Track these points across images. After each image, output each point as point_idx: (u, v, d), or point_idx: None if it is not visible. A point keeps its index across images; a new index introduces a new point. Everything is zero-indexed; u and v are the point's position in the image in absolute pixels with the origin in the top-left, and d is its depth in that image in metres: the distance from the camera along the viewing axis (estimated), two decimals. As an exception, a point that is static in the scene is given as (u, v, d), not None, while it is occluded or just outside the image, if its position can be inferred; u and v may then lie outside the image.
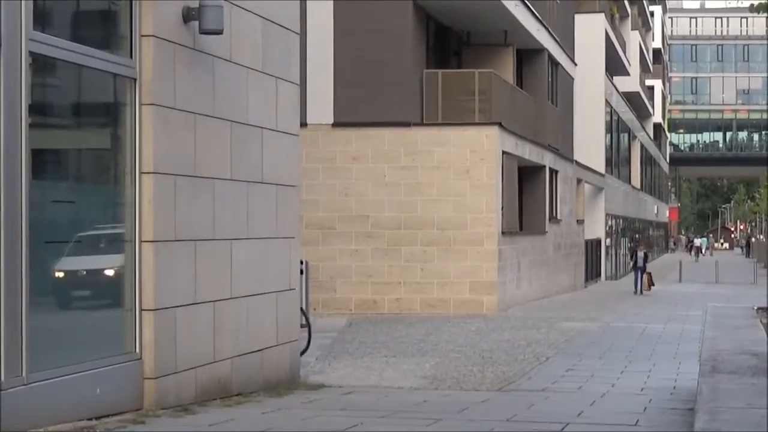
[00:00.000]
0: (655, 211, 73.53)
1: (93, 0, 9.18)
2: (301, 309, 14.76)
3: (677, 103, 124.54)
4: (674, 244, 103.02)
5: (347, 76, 24.03)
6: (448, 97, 24.83)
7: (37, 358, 7.51)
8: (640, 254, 35.81)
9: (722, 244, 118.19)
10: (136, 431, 7.83)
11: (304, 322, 14.74)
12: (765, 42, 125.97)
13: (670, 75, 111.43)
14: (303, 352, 14.22)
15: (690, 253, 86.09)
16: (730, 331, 10.08)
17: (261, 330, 10.73)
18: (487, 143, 24.16)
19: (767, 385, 6.53)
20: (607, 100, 44.53)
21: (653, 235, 74.70)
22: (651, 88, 76.92)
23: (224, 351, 9.89)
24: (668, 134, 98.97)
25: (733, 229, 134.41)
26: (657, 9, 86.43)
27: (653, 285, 35.80)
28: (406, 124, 24.08)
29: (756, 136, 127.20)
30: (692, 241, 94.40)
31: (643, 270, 35.45)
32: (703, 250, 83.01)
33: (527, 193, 29.94)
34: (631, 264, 37.37)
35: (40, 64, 7.88)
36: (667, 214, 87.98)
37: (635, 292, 34.64)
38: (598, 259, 43.33)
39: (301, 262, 13.23)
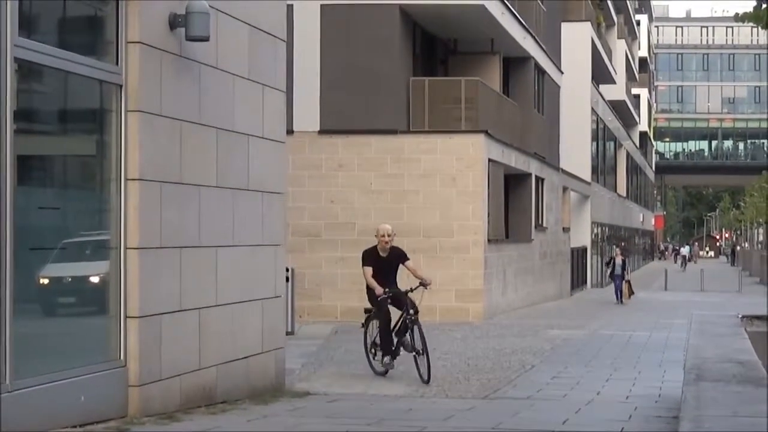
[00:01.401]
0: (641, 219, 73.72)
1: (79, 6, 9.16)
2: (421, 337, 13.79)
3: (663, 111, 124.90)
4: (663, 251, 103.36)
5: (334, 83, 24.02)
6: (434, 105, 24.82)
7: (21, 365, 7.49)
8: (618, 261, 34.01)
9: (707, 252, 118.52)
10: (120, 439, 7.82)
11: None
12: (750, 51, 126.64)
13: (656, 83, 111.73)
14: (427, 381, 13.36)
15: (674, 261, 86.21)
16: (714, 339, 10.10)
17: (247, 337, 10.71)
18: (473, 151, 24.17)
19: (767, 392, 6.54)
20: (593, 109, 44.60)
21: (639, 243, 74.84)
22: (637, 97, 77.09)
23: (209, 358, 9.86)
24: (654, 143, 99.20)
25: (718, 237, 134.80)
26: (643, 18, 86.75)
27: (633, 293, 34.46)
28: (393, 132, 24.08)
29: (741, 145, 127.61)
30: (677, 249, 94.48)
31: (622, 278, 33.74)
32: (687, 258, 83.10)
33: (513, 201, 29.94)
34: (609, 272, 35.26)
35: (26, 71, 7.86)
36: (653, 222, 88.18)
37: (617, 302, 33.23)
38: (584, 267, 43.32)
39: (287, 270, 13.22)
